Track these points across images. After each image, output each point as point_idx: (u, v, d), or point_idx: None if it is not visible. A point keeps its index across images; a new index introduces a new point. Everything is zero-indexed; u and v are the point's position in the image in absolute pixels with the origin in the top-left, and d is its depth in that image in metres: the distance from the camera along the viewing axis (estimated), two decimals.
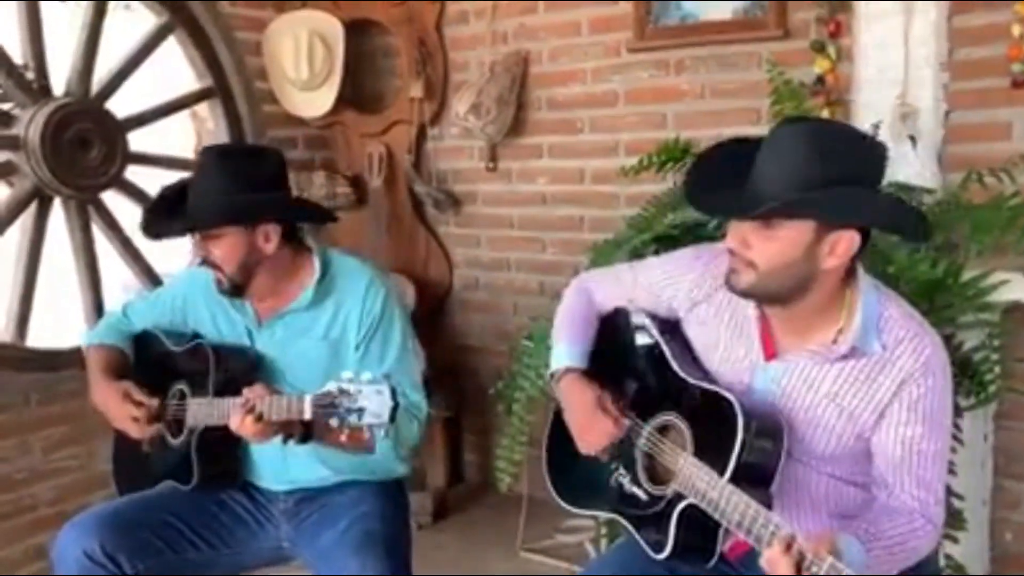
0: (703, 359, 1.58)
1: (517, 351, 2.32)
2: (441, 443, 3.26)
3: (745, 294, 1.44)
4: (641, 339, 1.64)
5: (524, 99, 3.14)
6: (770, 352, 1.50)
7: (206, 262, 1.77)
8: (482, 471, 3.47)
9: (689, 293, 1.60)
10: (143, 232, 1.84)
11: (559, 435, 1.71)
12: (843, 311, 1.43)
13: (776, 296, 1.43)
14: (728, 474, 1.37)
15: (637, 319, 1.67)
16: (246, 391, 1.60)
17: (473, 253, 3.41)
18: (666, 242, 2.06)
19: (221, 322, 1.89)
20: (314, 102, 3.30)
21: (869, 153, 1.37)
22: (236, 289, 1.78)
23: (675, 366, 1.55)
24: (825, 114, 2.51)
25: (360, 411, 1.45)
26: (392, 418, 1.45)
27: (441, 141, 3.37)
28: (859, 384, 1.42)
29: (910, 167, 2.40)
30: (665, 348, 1.59)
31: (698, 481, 1.40)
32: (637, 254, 2.08)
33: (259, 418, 1.55)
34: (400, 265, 3.34)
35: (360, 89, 3.47)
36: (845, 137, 1.38)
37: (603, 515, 1.69)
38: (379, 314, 1.82)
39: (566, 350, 1.69)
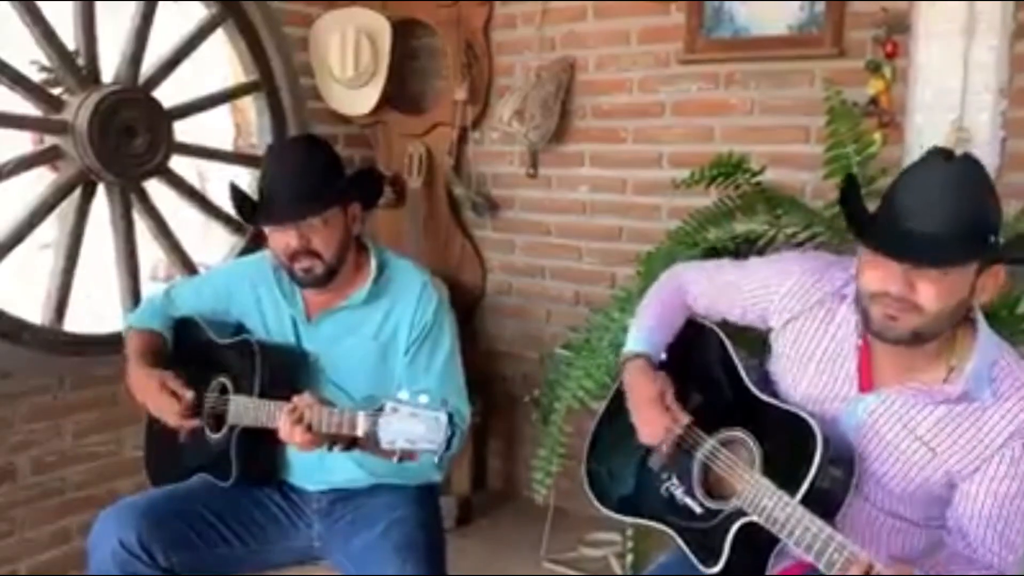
0: (788, 377, 1.53)
1: (553, 360, 2.30)
2: (467, 449, 3.24)
3: (901, 340, 1.35)
4: (717, 352, 1.61)
5: (568, 106, 3.12)
6: (867, 384, 1.45)
7: (299, 254, 1.73)
8: (506, 478, 3.45)
9: (785, 302, 1.54)
10: (251, 220, 1.80)
11: (606, 432, 1.68)
12: (953, 351, 1.39)
13: (933, 336, 1.35)
14: (800, 496, 1.34)
15: (716, 330, 1.64)
16: (295, 399, 1.58)
17: (508, 258, 3.39)
18: (715, 256, 2.02)
19: (268, 314, 1.88)
20: (358, 100, 3.29)
21: (995, 193, 1.35)
22: (330, 275, 1.77)
23: (748, 382, 1.53)
24: (877, 136, 2.47)
25: (414, 436, 1.42)
26: (448, 446, 1.43)
27: (482, 145, 3.35)
28: (962, 431, 1.37)
29: None
30: (739, 362, 1.56)
31: (766, 500, 1.37)
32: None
33: (308, 428, 1.53)
34: (434, 267, 3.31)
35: (403, 89, 3.46)
36: (982, 174, 1.35)
37: (639, 522, 1.64)
38: (430, 321, 1.81)
39: (644, 336, 1.65)
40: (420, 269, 1.91)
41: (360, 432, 1.49)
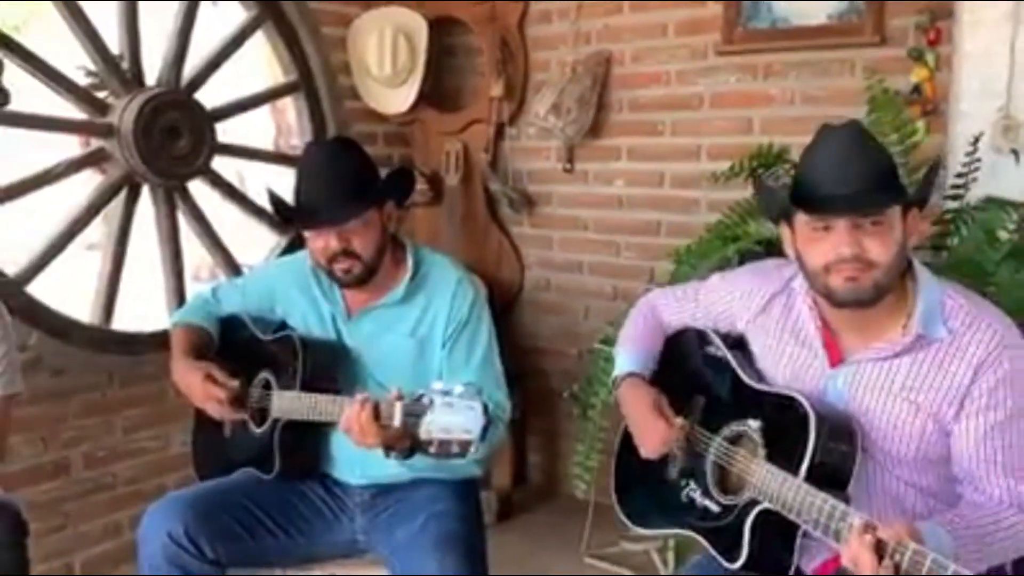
0: (770, 371, 1.58)
1: (592, 355, 2.30)
2: (507, 444, 3.25)
3: (860, 300, 1.39)
4: (708, 353, 1.66)
5: (605, 100, 3.11)
6: (836, 358, 1.49)
7: (338, 256, 1.75)
8: (546, 473, 3.45)
9: (746, 306, 1.62)
10: (290, 223, 1.80)
11: (627, 454, 1.71)
12: (904, 303, 1.43)
13: (890, 288, 1.40)
14: (802, 475, 1.36)
15: (703, 334, 1.69)
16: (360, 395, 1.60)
17: (546, 254, 3.39)
18: (752, 258, 2.01)
19: (310, 313, 1.91)
20: (395, 99, 3.32)
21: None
22: (369, 274, 1.79)
23: (742, 376, 1.57)
24: (920, 125, 2.43)
25: (450, 426, 1.44)
26: (483, 436, 1.44)
27: (518, 141, 3.35)
28: (932, 375, 1.40)
29: (1010, 182, 2.31)
30: (731, 359, 1.60)
31: (772, 484, 1.40)
32: (722, 267, 2.04)
33: (376, 416, 1.55)
34: (472, 263, 3.32)
35: (440, 87, 3.48)
36: (869, 132, 1.48)
37: (673, 532, 1.66)
38: (467, 315, 1.83)
39: (631, 357, 1.74)
40: (456, 265, 1.93)
41: (396, 421, 1.50)
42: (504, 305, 3.41)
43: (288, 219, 1.88)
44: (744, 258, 2.06)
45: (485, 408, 1.44)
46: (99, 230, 2.88)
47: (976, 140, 2.24)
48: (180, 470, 2.82)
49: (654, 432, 1.59)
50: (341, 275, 1.79)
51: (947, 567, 1.13)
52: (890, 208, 1.38)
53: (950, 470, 1.44)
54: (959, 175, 2.27)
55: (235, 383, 1.86)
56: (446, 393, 1.46)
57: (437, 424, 1.45)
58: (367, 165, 1.83)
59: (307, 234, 1.82)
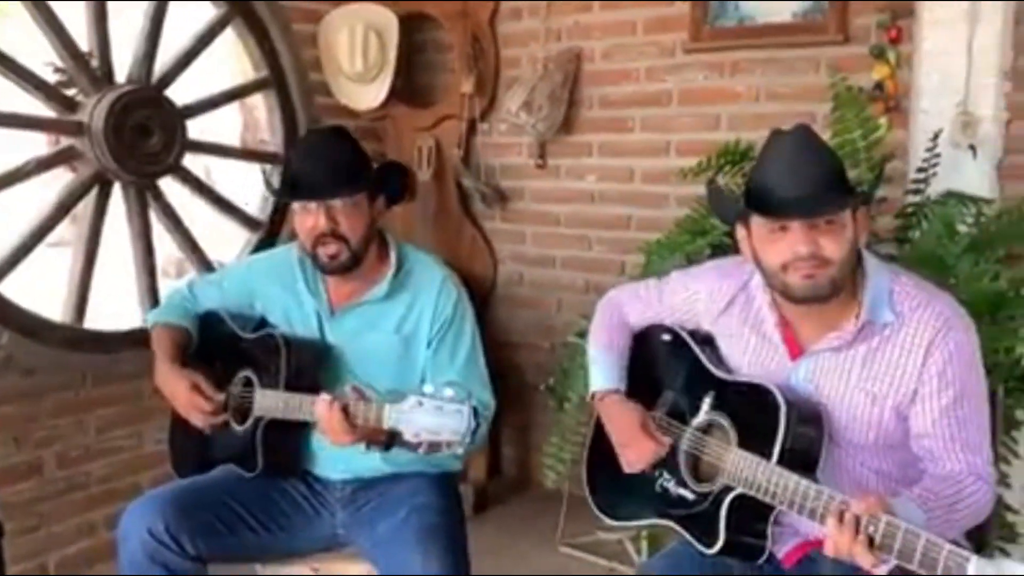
0: (735, 365, 1.63)
1: (567, 349, 2.34)
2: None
3: (816, 296, 1.45)
4: (676, 347, 1.70)
5: (576, 97, 3.15)
6: (795, 351, 1.55)
7: (325, 237, 1.77)
8: (521, 465, 3.49)
9: (708, 306, 1.66)
10: (284, 194, 1.84)
11: (599, 451, 1.76)
12: (856, 294, 1.49)
13: (844, 283, 1.46)
14: (775, 458, 1.41)
15: (670, 329, 1.73)
16: (348, 388, 1.63)
17: (518, 249, 3.42)
18: (722, 252, 2.06)
19: (292, 309, 1.91)
20: (367, 95, 3.33)
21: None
22: (354, 262, 1.81)
23: (711, 367, 1.61)
24: (883, 121, 2.49)
25: (437, 428, 1.47)
26: (472, 439, 1.48)
27: (490, 137, 3.38)
28: (886, 364, 1.46)
29: (968, 177, 2.38)
30: (699, 352, 1.65)
31: (746, 470, 1.45)
32: (691, 260, 2.08)
33: (345, 417, 1.58)
34: (445, 259, 3.30)
35: (412, 83, 3.50)
36: (817, 135, 1.53)
37: (648, 523, 1.71)
38: (452, 314, 1.86)
39: (602, 370, 1.77)
40: (440, 264, 1.96)
41: (386, 424, 1.53)
42: (477, 300, 3.42)
43: (280, 196, 1.88)
44: (715, 251, 2.11)
45: (475, 411, 1.48)
46: (63, 227, 2.86)
47: (936, 136, 2.31)
48: (154, 468, 2.81)
49: (642, 451, 1.63)
50: (326, 260, 1.80)
51: (919, 535, 1.19)
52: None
53: (908, 454, 1.50)
54: (920, 170, 2.34)
55: (221, 397, 1.87)
56: (436, 397, 1.49)
57: (426, 427, 1.48)
58: (361, 152, 1.87)
59: (296, 213, 1.82)
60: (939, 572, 1.16)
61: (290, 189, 1.84)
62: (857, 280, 1.50)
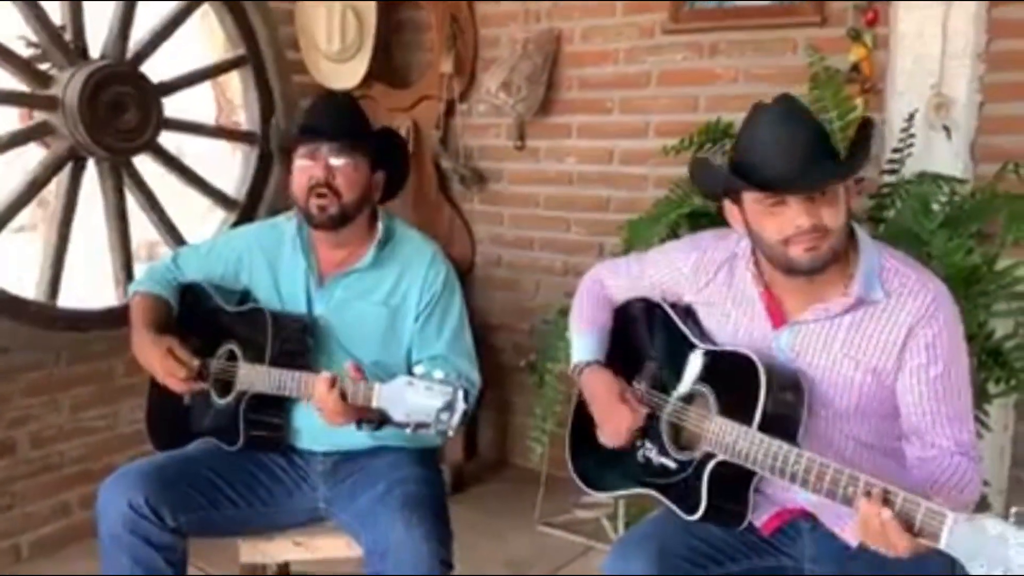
0: (717, 337, 1.64)
1: (549, 325, 2.35)
2: None
3: (818, 267, 1.45)
4: (657, 319, 1.71)
5: (555, 78, 3.15)
6: (778, 321, 1.56)
7: (319, 187, 1.79)
8: (498, 446, 3.50)
9: (691, 280, 1.67)
10: (307, 133, 1.86)
11: (580, 424, 1.77)
12: (846, 266, 1.50)
13: (839, 256, 1.47)
14: (755, 424, 1.43)
15: (651, 301, 1.74)
16: (348, 366, 1.63)
17: (497, 231, 3.42)
18: (702, 219, 2.08)
19: (281, 279, 1.91)
20: (344, 74, 3.31)
21: None
22: (341, 220, 1.82)
23: (692, 338, 1.63)
24: (859, 102, 2.52)
25: (428, 410, 1.48)
26: (462, 422, 1.49)
27: (469, 117, 3.37)
28: (870, 334, 1.48)
29: (943, 158, 2.42)
30: (680, 323, 1.66)
31: (727, 437, 1.46)
32: (674, 231, 2.10)
33: (343, 397, 1.58)
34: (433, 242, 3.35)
35: (390, 63, 3.48)
36: (803, 103, 1.54)
37: (627, 493, 1.73)
38: (440, 290, 1.88)
39: (585, 344, 1.78)
40: (430, 240, 1.99)
41: (375, 403, 1.54)
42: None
43: (288, 141, 1.92)
44: (693, 220, 2.11)
45: (466, 394, 1.49)
46: (31, 212, 2.82)
47: (911, 117, 2.34)
48: (130, 449, 2.79)
49: (619, 420, 1.64)
50: (316, 212, 1.81)
51: (898, 493, 1.21)
52: None
53: (888, 424, 1.52)
54: (895, 150, 2.37)
55: (195, 361, 1.86)
56: (426, 379, 1.50)
57: (416, 408, 1.50)
58: (365, 118, 1.95)
59: (296, 169, 1.85)
60: (917, 530, 1.18)
61: (302, 131, 1.88)
62: (849, 252, 1.50)
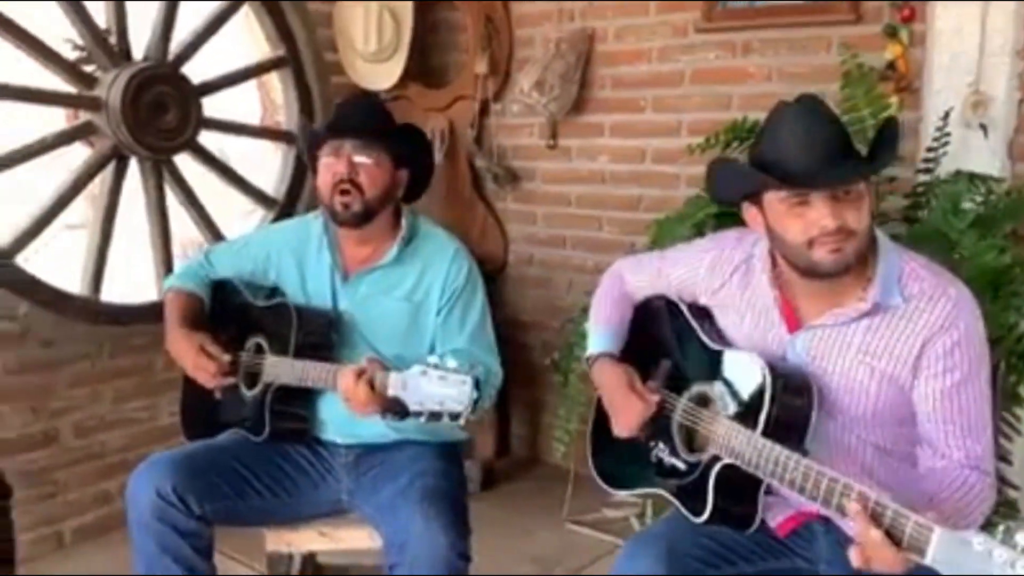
0: (732, 340, 1.62)
1: (573, 324, 2.36)
2: (491, 415, 3.31)
3: (841, 270, 1.43)
4: (674, 319, 1.71)
5: (588, 77, 3.15)
6: (793, 325, 1.54)
7: (344, 183, 1.83)
8: (529, 445, 3.51)
9: (707, 280, 1.66)
10: (332, 131, 1.91)
11: (601, 421, 1.77)
12: (864, 270, 1.47)
13: (863, 258, 1.45)
14: (759, 429, 1.42)
15: (670, 301, 1.74)
16: (365, 360, 1.66)
17: (529, 230, 3.44)
18: (729, 218, 2.06)
19: (308, 275, 1.96)
20: (381, 75, 3.35)
21: None
22: (365, 216, 1.86)
23: (705, 339, 1.62)
24: (894, 101, 2.48)
25: (442, 398, 1.51)
26: (473, 409, 1.51)
27: (503, 117, 3.39)
28: (887, 339, 1.46)
29: (980, 156, 2.37)
30: (695, 324, 1.65)
31: (733, 440, 1.45)
32: (700, 230, 2.09)
33: (372, 386, 1.61)
34: (457, 238, 3.37)
35: (426, 63, 3.52)
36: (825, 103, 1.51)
37: (644, 491, 1.73)
38: (463, 284, 1.91)
39: (599, 336, 1.78)
40: (452, 237, 2.02)
41: (390, 391, 1.56)
42: (488, 280, 3.43)
43: (316, 136, 1.96)
44: (720, 219, 2.10)
45: (476, 383, 1.51)
46: (81, 209, 2.91)
47: (946, 115, 2.29)
48: (168, 440, 2.85)
49: (629, 410, 1.64)
50: (340, 209, 1.85)
51: (888, 506, 1.19)
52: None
53: (905, 430, 1.50)
54: (930, 149, 2.32)
55: (227, 357, 1.91)
56: (440, 367, 1.52)
57: (430, 396, 1.52)
58: (389, 115, 1.99)
59: (322, 167, 1.89)
60: (903, 544, 1.16)
61: (329, 125, 1.94)
62: (868, 255, 1.47)
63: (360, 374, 1.63)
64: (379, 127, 1.90)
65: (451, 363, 1.53)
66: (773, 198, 1.45)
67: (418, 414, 1.52)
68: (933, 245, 1.91)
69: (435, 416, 1.53)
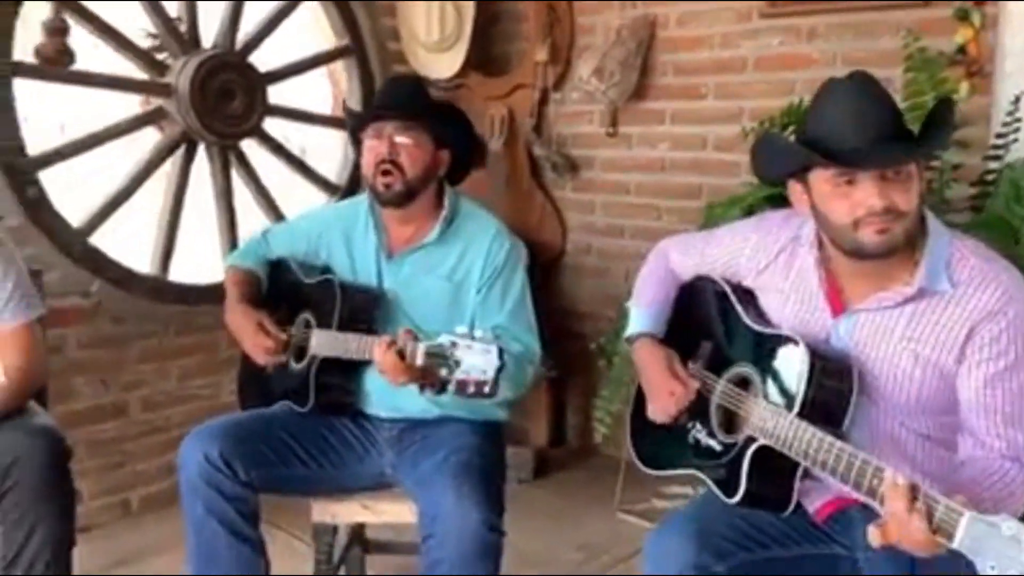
0: (776, 321, 1.59)
1: (624, 310, 2.34)
2: (545, 403, 3.33)
3: (888, 251, 1.39)
4: (717, 300, 1.69)
5: (649, 64, 3.12)
6: (838, 309, 1.50)
7: (384, 163, 1.87)
8: (584, 435, 3.50)
9: (751, 262, 1.63)
10: (374, 113, 1.97)
11: (641, 403, 1.76)
12: (913, 254, 1.43)
13: (911, 240, 1.41)
14: (795, 410, 1.39)
15: (714, 281, 1.72)
16: (400, 331, 1.69)
17: (588, 219, 3.43)
18: (779, 202, 2.02)
19: (355, 255, 2.01)
20: (442, 64, 3.39)
21: None
22: (407, 196, 1.90)
23: (746, 320, 1.60)
24: (964, 86, 2.39)
25: (468, 366, 1.53)
26: (496, 378, 1.53)
27: (563, 105, 3.39)
28: (932, 325, 1.41)
29: None
30: (737, 305, 1.63)
31: (768, 421, 1.43)
32: (750, 214, 2.06)
33: (401, 356, 1.63)
34: (515, 226, 3.32)
35: (487, 52, 3.54)
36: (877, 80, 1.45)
37: (679, 472, 1.71)
38: (502, 263, 1.92)
39: (641, 316, 1.78)
40: (493, 217, 2.03)
41: (419, 361, 1.59)
42: (545, 268, 3.46)
43: (353, 131, 2.02)
44: (774, 202, 2.07)
45: (500, 352, 1.52)
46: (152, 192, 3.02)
47: (1017, 100, 2.20)
48: None
49: (668, 394, 1.64)
50: (382, 189, 1.90)
51: (961, 511, 1.13)
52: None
53: (950, 418, 1.45)
54: (999, 135, 2.24)
55: (283, 335, 1.97)
56: (466, 336, 1.54)
57: (455, 365, 1.53)
58: (427, 95, 2.03)
59: (365, 145, 1.94)
60: (933, 528, 1.13)
61: (368, 114, 1.99)
62: (917, 239, 1.43)
63: (391, 344, 1.66)
64: (417, 107, 1.93)
65: (477, 333, 1.55)
66: (819, 177, 1.42)
67: (446, 382, 1.54)
68: (995, 233, 1.84)
69: (462, 385, 1.54)
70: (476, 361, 1.51)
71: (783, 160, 1.50)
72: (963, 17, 2.44)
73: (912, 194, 1.38)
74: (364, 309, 1.92)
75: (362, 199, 2.09)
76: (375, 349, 1.71)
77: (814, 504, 1.53)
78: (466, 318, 1.92)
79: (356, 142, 2.02)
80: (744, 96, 2.94)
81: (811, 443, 1.34)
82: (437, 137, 1.93)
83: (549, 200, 3.46)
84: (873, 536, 1.19)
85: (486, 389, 1.51)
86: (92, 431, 2.75)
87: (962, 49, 2.45)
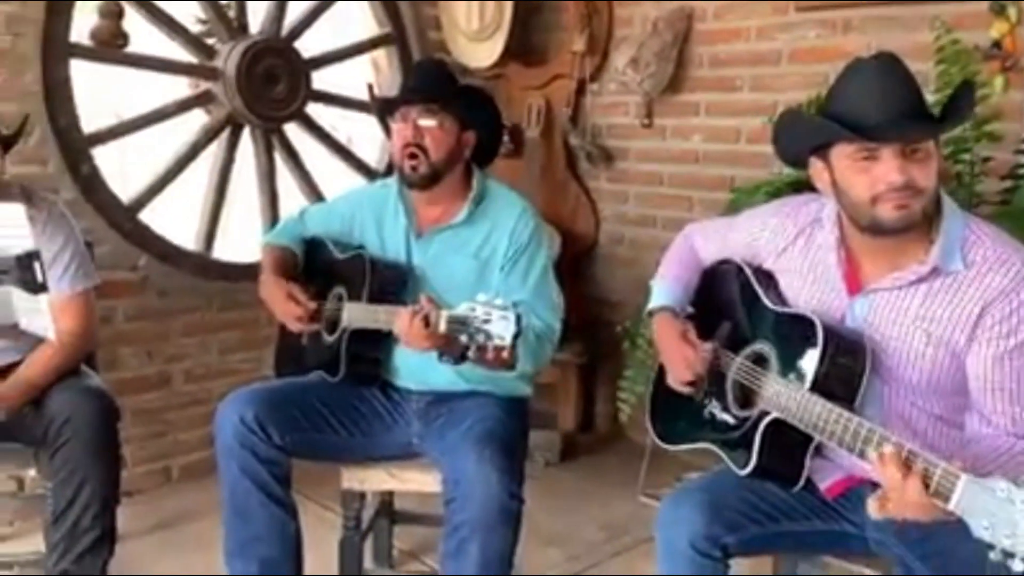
0: (793, 302, 1.63)
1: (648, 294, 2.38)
2: (574, 389, 3.38)
3: (906, 227, 1.42)
4: (738, 280, 1.73)
5: (685, 56, 3.16)
6: (854, 288, 1.54)
7: (411, 147, 1.94)
8: (612, 421, 3.54)
9: (770, 244, 1.67)
10: (400, 98, 2.04)
11: (661, 381, 1.81)
12: (928, 233, 1.46)
13: (931, 212, 1.44)
14: (807, 384, 1.43)
15: (736, 264, 1.76)
16: (422, 298, 1.75)
17: (621, 209, 3.47)
18: (802, 187, 2.05)
19: (386, 235, 2.08)
20: (481, 53, 3.46)
21: None
22: (432, 178, 1.97)
23: (764, 299, 1.64)
24: (999, 80, 2.39)
25: (487, 332, 1.59)
26: (514, 343, 1.59)
27: (599, 96, 3.43)
28: (944, 304, 1.44)
29: None
30: (756, 284, 1.67)
31: (781, 396, 1.47)
32: (774, 197, 2.09)
33: (426, 324, 1.69)
34: (549, 216, 3.42)
35: (525, 42, 3.59)
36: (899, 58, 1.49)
37: (694, 447, 1.76)
38: (526, 241, 1.98)
39: (661, 291, 1.84)
40: (520, 198, 2.08)
41: (442, 328, 1.65)
42: (578, 258, 3.52)
43: (385, 109, 2.07)
44: (796, 188, 2.10)
45: (518, 318, 1.58)
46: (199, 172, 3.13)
47: None
48: None
49: (681, 358, 1.69)
50: (409, 171, 1.96)
51: (958, 474, 1.16)
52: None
53: (963, 399, 1.48)
54: None
55: (312, 304, 2.04)
56: (487, 304, 1.61)
57: (477, 330, 1.60)
58: (454, 79, 2.10)
59: (393, 133, 2.01)
60: (930, 491, 1.17)
61: (401, 92, 2.06)
62: (933, 218, 1.46)
63: (416, 313, 1.72)
64: (443, 91, 1.99)
65: (497, 301, 1.61)
66: (841, 152, 1.45)
67: (466, 348, 1.60)
68: (1019, 224, 1.85)
69: (481, 351, 1.61)
70: (495, 328, 1.58)
71: (806, 135, 1.53)
72: (1000, 11, 2.43)
73: (931, 172, 1.41)
74: (393, 283, 1.99)
75: (392, 181, 2.15)
76: (400, 317, 1.77)
77: (825, 482, 1.57)
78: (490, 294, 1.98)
79: (385, 127, 2.09)
80: (778, 89, 2.95)
81: (821, 415, 1.38)
82: (462, 120, 1.98)
83: (583, 190, 3.51)
84: (872, 507, 1.23)
85: (504, 354, 1.57)
86: (137, 400, 2.87)
87: (997, 43, 2.44)
